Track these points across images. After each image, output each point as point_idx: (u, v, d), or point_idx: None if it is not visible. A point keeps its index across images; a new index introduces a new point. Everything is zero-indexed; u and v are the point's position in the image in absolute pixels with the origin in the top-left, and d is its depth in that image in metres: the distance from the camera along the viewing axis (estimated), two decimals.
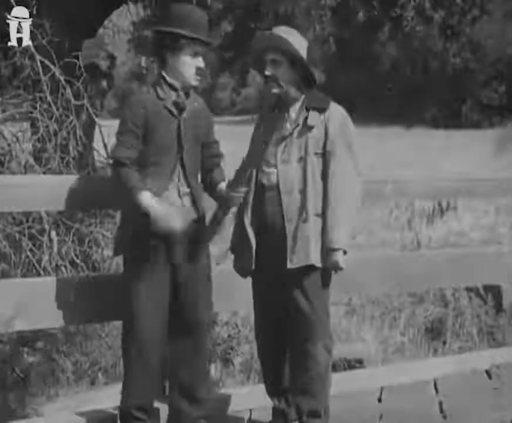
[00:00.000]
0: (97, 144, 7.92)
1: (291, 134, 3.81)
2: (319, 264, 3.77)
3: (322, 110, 3.79)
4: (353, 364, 7.29)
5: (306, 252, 3.74)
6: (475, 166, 15.92)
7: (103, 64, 10.72)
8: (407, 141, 24.31)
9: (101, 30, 10.65)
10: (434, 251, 8.32)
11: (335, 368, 7.29)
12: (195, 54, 3.74)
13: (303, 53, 3.82)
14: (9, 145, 7.10)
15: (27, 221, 6.97)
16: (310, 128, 3.77)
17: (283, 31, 3.84)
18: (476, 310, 8.24)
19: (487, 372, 5.01)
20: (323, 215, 3.75)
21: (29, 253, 6.92)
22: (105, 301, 3.96)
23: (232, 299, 4.35)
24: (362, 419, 4.32)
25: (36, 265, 6.94)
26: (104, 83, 10.40)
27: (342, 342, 7.69)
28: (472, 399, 4.59)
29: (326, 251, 3.74)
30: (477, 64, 35.05)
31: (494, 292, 8.27)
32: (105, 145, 7.66)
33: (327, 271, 3.82)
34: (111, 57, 10.83)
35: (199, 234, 3.76)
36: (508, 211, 11.48)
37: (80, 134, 7.35)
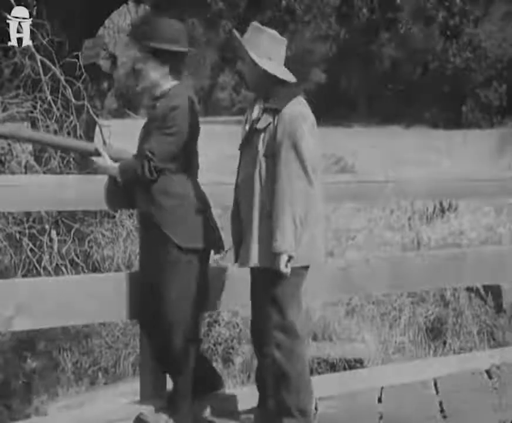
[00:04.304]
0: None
1: (248, 133, 3.80)
2: (256, 265, 3.74)
3: (276, 110, 3.71)
4: (353, 364, 7.30)
5: (247, 253, 3.76)
6: (475, 166, 15.91)
7: (104, 64, 10.72)
8: (407, 141, 24.30)
9: (101, 30, 10.66)
10: (434, 251, 8.31)
11: (335, 368, 7.30)
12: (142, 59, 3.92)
13: (269, 52, 3.74)
14: (9, 144, 7.11)
15: (28, 221, 6.98)
16: (259, 130, 3.73)
17: (253, 30, 3.79)
18: (476, 310, 8.24)
19: (487, 372, 5.01)
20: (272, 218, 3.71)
21: (29, 253, 6.93)
22: (107, 300, 3.96)
23: (232, 299, 4.35)
24: (362, 419, 4.32)
25: (36, 265, 6.95)
26: (105, 83, 10.40)
27: (342, 342, 7.69)
28: (472, 399, 4.58)
29: (273, 255, 3.68)
30: (477, 64, 35.04)
31: (494, 292, 8.27)
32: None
33: (278, 272, 3.72)
34: (113, 57, 10.83)
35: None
36: (508, 211, 11.48)
37: (81, 134, 7.36)
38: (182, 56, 3.91)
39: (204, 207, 3.92)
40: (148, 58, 3.86)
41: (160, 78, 3.87)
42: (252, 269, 3.87)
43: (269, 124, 3.72)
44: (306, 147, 3.66)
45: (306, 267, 3.85)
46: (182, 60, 3.93)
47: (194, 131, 3.89)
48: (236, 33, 3.83)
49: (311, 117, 3.77)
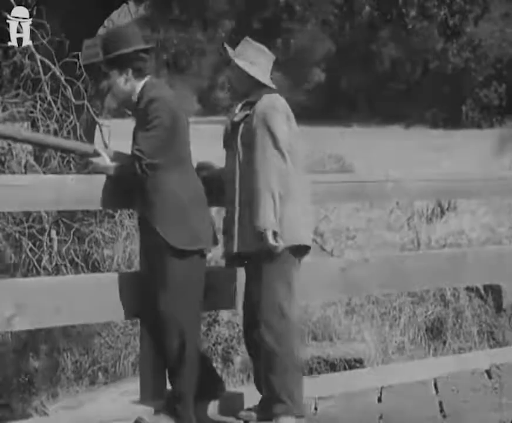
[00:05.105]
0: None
1: (229, 127, 4.05)
2: (236, 251, 3.92)
3: (252, 104, 3.99)
4: (353, 364, 7.29)
5: (231, 240, 3.95)
6: (475, 166, 15.89)
7: None
8: (407, 141, 24.32)
9: (101, 30, 10.64)
10: (434, 251, 8.31)
11: (335, 368, 7.30)
12: None
13: (252, 59, 4.03)
14: (9, 144, 7.11)
15: (27, 221, 6.98)
16: (237, 123, 3.99)
17: (243, 43, 4.12)
18: (476, 310, 8.23)
19: (487, 372, 5.01)
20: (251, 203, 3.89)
21: (29, 253, 6.93)
22: (107, 300, 3.96)
23: (233, 298, 4.35)
24: (362, 419, 4.32)
25: (36, 264, 6.94)
26: (105, 83, 10.40)
27: (342, 342, 7.69)
28: (472, 399, 4.58)
29: (258, 236, 3.83)
30: (477, 64, 35.05)
31: (494, 292, 8.27)
32: (105, 145, 7.65)
33: (262, 254, 3.87)
34: None
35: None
36: (508, 211, 11.47)
37: (81, 134, 7.36)
38: (138, 54, 3.86)
39: (197, 203, 3.89)
40: (109, 71, 3.89)
41: (125, 84, 3.87)
42: (247, 265, 4.01)
43: (247, 115, 3.97)
44: (279, 129, 3.90)
45: (293, 250, 3.93)
46: (142, 59, 3.88)
47: (180, 122, 3.86)
48: (226, 45, 4.16)
49: (286, 110, 4.00)
